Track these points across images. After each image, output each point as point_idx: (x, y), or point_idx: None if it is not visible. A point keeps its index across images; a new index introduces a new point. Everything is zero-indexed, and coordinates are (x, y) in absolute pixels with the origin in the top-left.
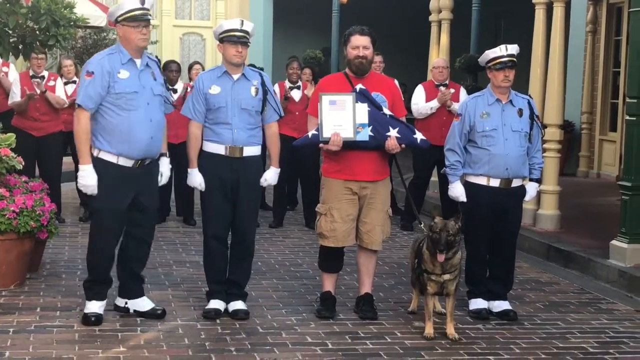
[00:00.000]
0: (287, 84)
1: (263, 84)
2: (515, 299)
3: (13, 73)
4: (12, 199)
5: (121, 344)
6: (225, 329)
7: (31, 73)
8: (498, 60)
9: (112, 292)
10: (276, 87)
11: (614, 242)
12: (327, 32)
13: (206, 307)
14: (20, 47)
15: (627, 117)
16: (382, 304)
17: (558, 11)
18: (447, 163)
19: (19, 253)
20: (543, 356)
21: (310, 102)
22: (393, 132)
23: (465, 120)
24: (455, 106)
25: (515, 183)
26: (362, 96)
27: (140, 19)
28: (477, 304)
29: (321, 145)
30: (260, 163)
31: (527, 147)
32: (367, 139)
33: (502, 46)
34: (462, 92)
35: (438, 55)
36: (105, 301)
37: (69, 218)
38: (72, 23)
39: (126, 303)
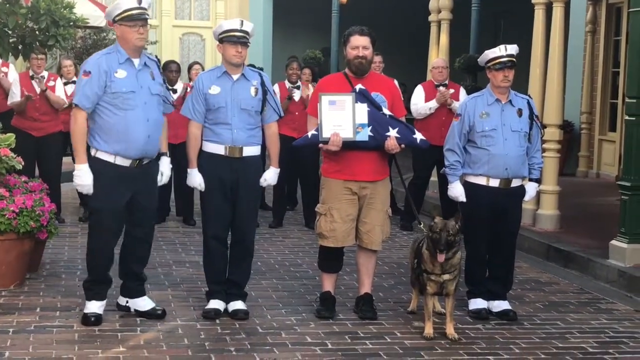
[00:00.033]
0: (287, 84)
1: (263, 84)
2: (515, 299)
3: (13, 73)
4: (11, 199)
5: (121, 344)
6: (225, 329)
7: (31, 73)
8: (497, 61)
9: (112, 292)
10: (276, 87)
11: (613, 242)
12: (327, 32)
13: (206, 307)
14: (19, 47)
15: (627, 117)
16: (382, 304)
17: (557, 11)
18: (446, 163)
19: (18, 253)
20: (542, 356)
21: (310, 102)
22: (393, 132)
23: (465, 120)
24: (456, 105)
25: (515, 183)
26: (362, 96)
27: (137, 18)
28: (477, 304)
29: (321, 145)
30: (260, 163)
31: (526, 147)
32: (366, 139)
33: (502, 46)
34: (462, 92)
35: (437, 56)
36: (105, 301)
37: (69, 218)
38: (71, 23)
39: (127, 302)
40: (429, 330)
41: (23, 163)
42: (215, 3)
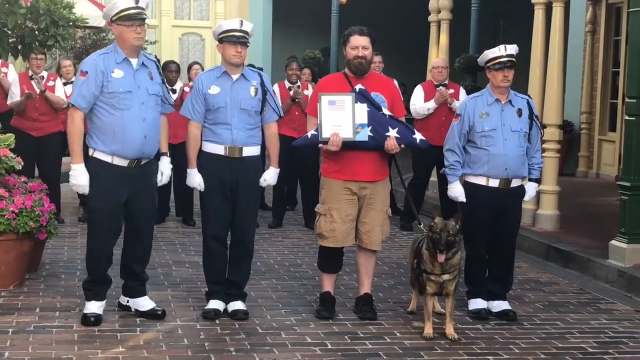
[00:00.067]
0: (287, 84)
1: (262, 84)
2: (515, 299)
3: (12, 73)
4: (11, 200)
5: (120, 344)
6: (225, 329)
7: (30, 73)
8: (497, 61)
9: (111, 293)
10: (275, 88)
11: (613, 242)
12: (327, 32)
13: (205, 308)
14: (19, 47)
15: (627, 117)
16: (382, 304)
17: (557, 11)
18: (446, 163)
19: (18, 253)
20: (542, 356)
21: (310, 102)
22: (392, 132)
23: (465, 120)
24: (457, 104)
25: (515, 183)
26: (362, 96)
27: (134, 18)
28: (477, 304)
29: (320, 145)
30: (259, 163)
31: (526, 147)
32: (366, 139)
33: (501, 46)
34: (462, 92)
35: (437, 56)
36: (104, 301)
37: (68, 218)
38: (71, 23)
39: (127, 301)
40: (428, 330)
41: (22, 163)
42: (215, 3)
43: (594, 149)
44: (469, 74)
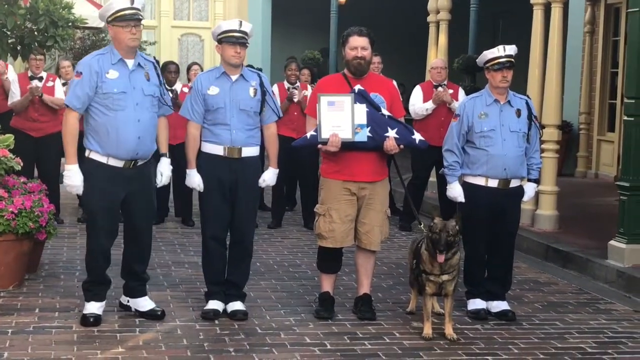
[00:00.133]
0: (286, 85)
1: (261, 84)
2: (514, 299)
3: (12, 74)
4: (10, 200)
5: (120, 344)
6: (224, 330)
7: (29, 74)
8: (496, 61)
9: (111, 293)
10: (275, 88)
11: (612, 242)
12: (326, 32)
13: (205, 308)
14: (18, 48)
15: (625, 118)
16: (381, 305)
17: (556, 12)
18: (445, 164)
19: (17, 254)
20: (541, 356)
21: (309, 102)
22: (392, 133)
23: (464, 120)
24: (456, 104)
25: (514, 183)
26: (361, 97)
27: (129, 19)
28: (476, 304)
29: (320, 146)
30: (258, 164)
31: (525, 147)
32: (365, 139)
33: (500, 47)
34: (461, 92)
35: (436, 56)
36: (104, 302)
37: (68, 219)
38: (70, 24)
39: (128, 301)
40: (427, 330)
41: (22, 164)
42: (214, 4)
43: (593, 150)
44: (467, 74)
